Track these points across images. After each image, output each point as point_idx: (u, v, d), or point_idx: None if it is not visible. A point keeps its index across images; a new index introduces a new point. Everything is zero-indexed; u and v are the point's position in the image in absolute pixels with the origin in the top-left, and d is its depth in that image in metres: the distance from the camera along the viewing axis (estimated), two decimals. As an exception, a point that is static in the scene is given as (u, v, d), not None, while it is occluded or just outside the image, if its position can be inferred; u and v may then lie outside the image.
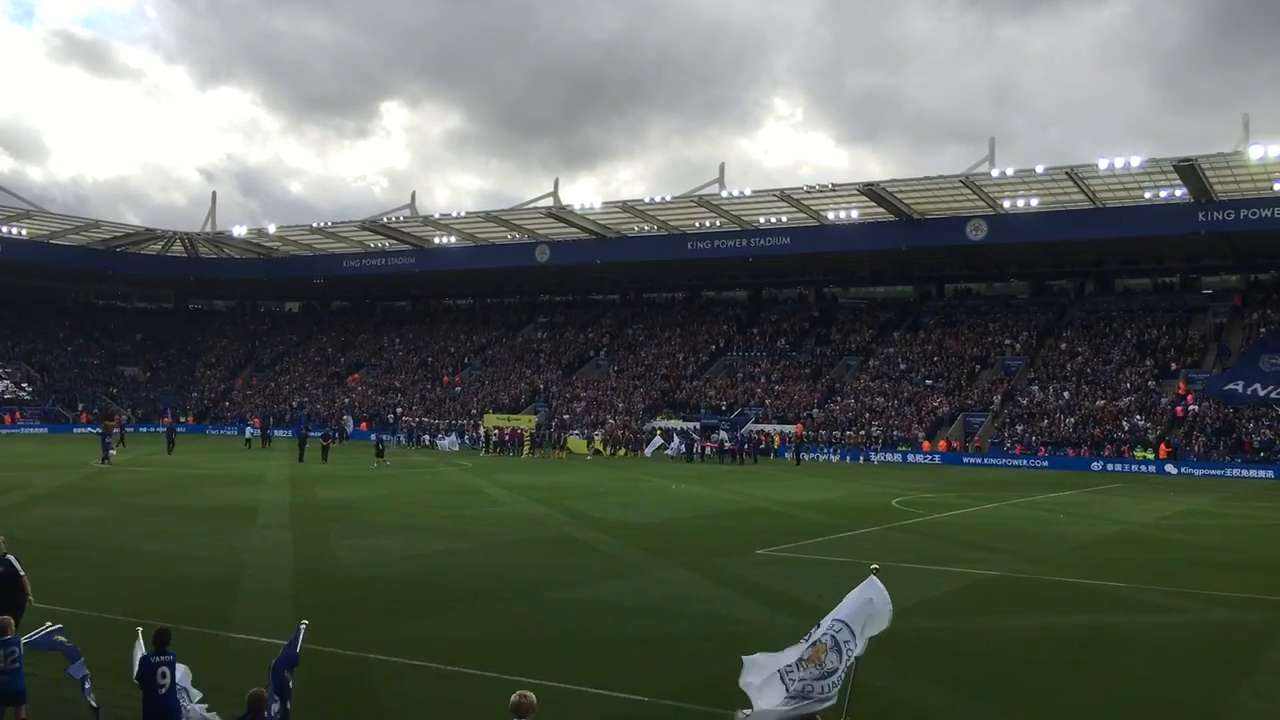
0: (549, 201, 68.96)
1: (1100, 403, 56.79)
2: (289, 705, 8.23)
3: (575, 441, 59.56)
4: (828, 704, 8.93)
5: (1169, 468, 50.85)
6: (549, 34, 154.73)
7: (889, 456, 56.62)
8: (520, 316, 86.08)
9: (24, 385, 77.88)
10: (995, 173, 56.13)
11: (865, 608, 9.11)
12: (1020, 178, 56.24)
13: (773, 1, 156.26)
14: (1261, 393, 53.98)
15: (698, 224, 68.66)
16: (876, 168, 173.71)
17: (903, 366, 65.28)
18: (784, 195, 61.81)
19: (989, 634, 15.01)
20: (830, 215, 63.96)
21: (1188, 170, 51.92)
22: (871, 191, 59.44)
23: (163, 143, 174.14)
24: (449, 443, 62.11)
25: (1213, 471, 49.88)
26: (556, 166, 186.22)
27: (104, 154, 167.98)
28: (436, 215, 74.45)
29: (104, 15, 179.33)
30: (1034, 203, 59.11)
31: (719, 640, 14.11)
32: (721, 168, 63.77)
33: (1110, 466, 51.67)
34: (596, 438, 60.44)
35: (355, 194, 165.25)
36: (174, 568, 19.01)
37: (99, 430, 51.41)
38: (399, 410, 73.25)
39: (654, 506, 31.51)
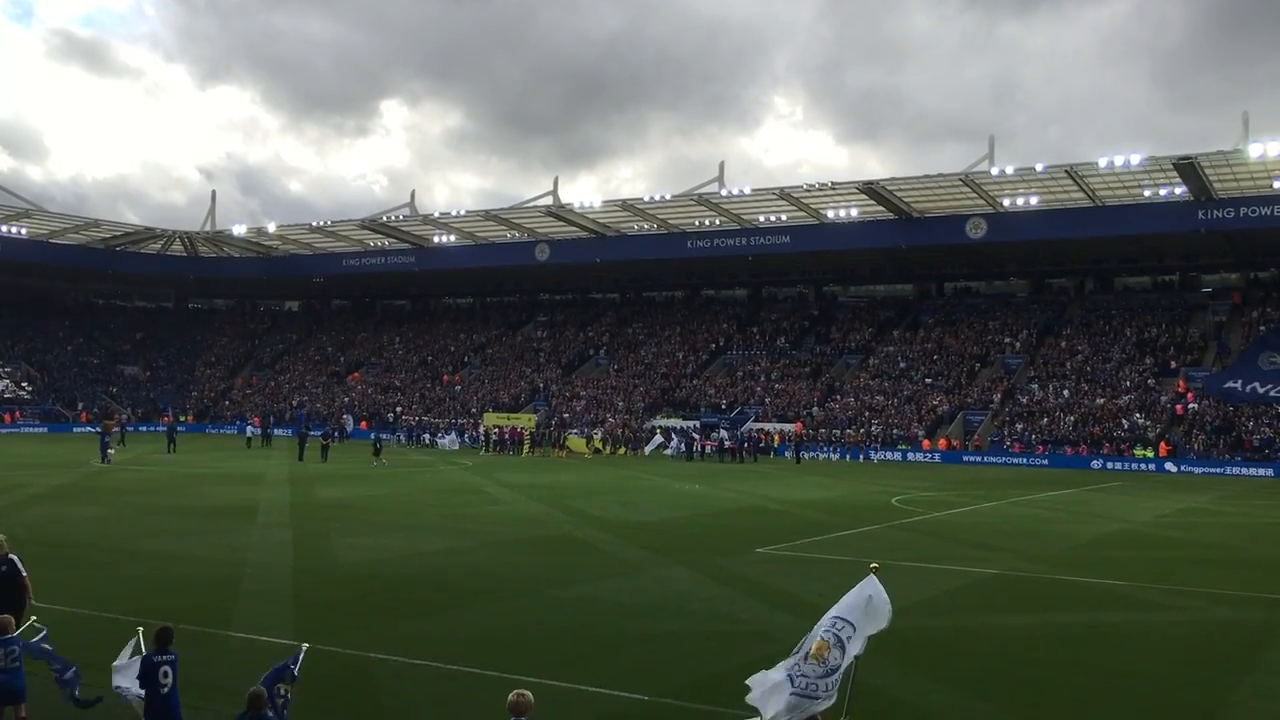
0: (549, 200, 68.97)
1: (1100, 401, 56.81)
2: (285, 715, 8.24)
3: (575, 440, 59.58)
4: (828, 703, 8.93)
5: (1169, 466, 50.87)
6: (549, 32, 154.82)
7: (889, 455, 56.63)
8: (520, 315, 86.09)
9: (24, 384, 77.88)
10: (995, 171, 56.11)
11: (865, 605, 9.11)
12: (1020, 176, 56.23)
13: None
14: (1261, 391, 54.00)
15: (697, 222, 68.66)
16: (876, 166, 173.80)
17: (902, 365, 65.29)
18: (784, 194, 61.81)
19: (989, 632, 15.01)
20: (830, 214, 63.96)
21: (1187, 168, 51.92)
22: (871, 190, 59.45)
23: (162, 142, 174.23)
24: (449, 441, 62.16)
25: (1212, 469, 49.91)
26: (556, 165, 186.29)
27: (103, 153, 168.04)
28: (436, 214, 74.43)
29: (103, 14, 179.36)
30: (1034, 201, 59.11)
31: (719, 639, 14.12)
32: (721, 166, 63.87)
33: (1110, 465, 51.70)
34: (596, 436, 60.46)
35: (355, 193, 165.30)
36: (174, 567, 19.01)
37: (98, 430, 51.35)
38: (399, 409, 73.27)
39: (654, 505, 31.52)
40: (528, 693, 7.43)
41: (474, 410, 69.68)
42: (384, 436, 55.67)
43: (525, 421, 62.11)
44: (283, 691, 8.24)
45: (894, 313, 72.13)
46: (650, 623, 15.11)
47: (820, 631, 9.07)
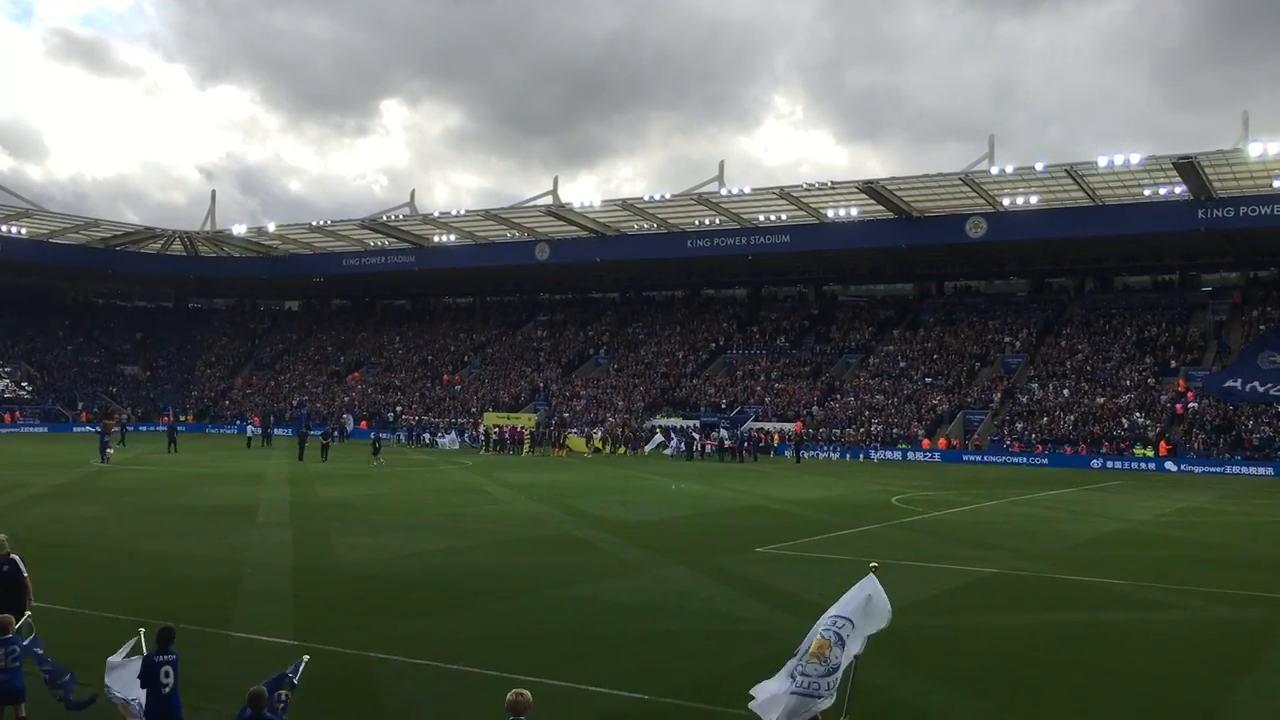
0: (548, 200, 68.96)
1: (1100, 400, 56.82)
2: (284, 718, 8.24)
3: (575, 440, 59.59)
4: (829, 703, 8.93)
5: (1169, 465, 50.86)
6: (549, 32, 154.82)
7: (889, 454, 56.64)
8: (520, 315, 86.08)
9: (24, 384, 77.89)
10: (995, 170, 56.09)
11: (864, 604, 9.11)
12: (1020, 175, 56.21)
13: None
14: (1260, 390, 54.01)
15: (697, 222, 68.65)
16: (876, 165, 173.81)
17: (902, 364, 65.28)
18: (784, 193, 61.80)
19: (989, 631, 15.02)
20: (830, 213, 63.94)
21: (1187, 168, 51.92)
22: (871, 189, 59.45)
23: (162, 141, 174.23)
24: (449, 441, 62.18)
25: (1212, 469, 49.91)
26: (556, 164, 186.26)
27: (103, 152, 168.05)
28: (436, 214, 74.41)
29: (103, 13, 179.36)
30: (1034, 200, 59.10)
31: (719, 638, 14.12)
32: (721, 165, 63.84)
33: (1110, 464, 51.69)
34: (596, 436, 60.46)
35: (355, 192, 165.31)
36: (174, 566, 19.01)
37: (98, 429, 51.38)
38: (399, 409, 73.28)
39: (654, 504, 31.52)
40: (526, 692, 7.43)
41: (474, 410, 69.68)
42: (384, 436, 55.72)
43: (525, 421, 62.11)
44: (282, 697, 8.25)
45: (894, 312, 72.13)
46: (650, 622, 15.11)
47: (820, 629, 9.07)
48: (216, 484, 35.39)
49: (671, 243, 70.57)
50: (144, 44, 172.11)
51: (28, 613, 10.47)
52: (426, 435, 65.13)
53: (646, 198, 66.05)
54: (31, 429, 71.24)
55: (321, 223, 78.18)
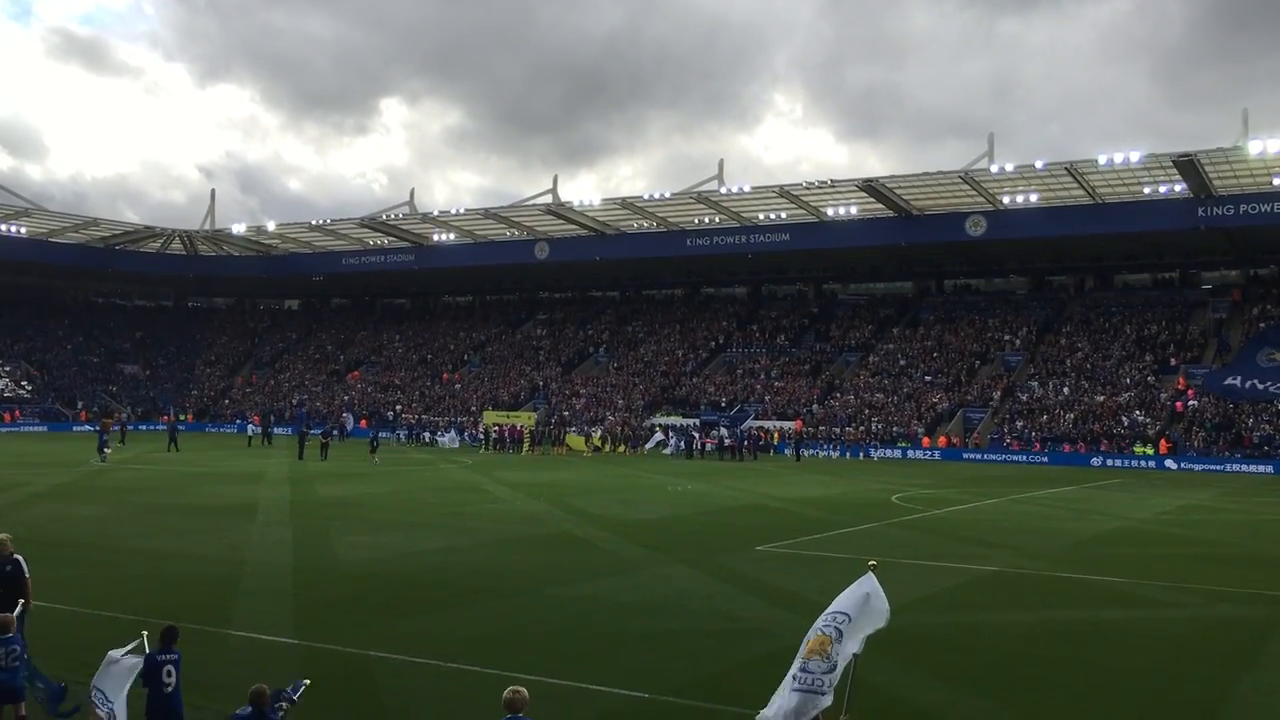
0: (548, 198, 68.94)
1: (1100, 398, 56.82)
2: None
3: (574, 438, 59.59)
4: (828, 702, 8.91)
5: (1169, 463, 50.84)
6: (549, 30, 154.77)
7: (889, 453, 56.65)
8: (520, 313, 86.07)
9: (23, 383, 77.89)
10: (995, 168, 56.06)
11: (862, 601, 9.09)
12: (1020, 173, 56.18)
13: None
14: (1260, 387, 54.00)
15: (697, 220, 68.63)
16: (876, 164, 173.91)
17: (902, 362, 65.28)
18: (783, 191, 61.77)
19: (989, 629, 15.01)
20: (829, 211, 63.90)
21: (1187, 165, 51.90)
22: (871, 188, 59.44)
23: (162, 140, 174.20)
24: (449, 440, 62.18)
25: (1212, 466, 49.90)
26: (556, 163, 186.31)
27: (103, 152, 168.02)
28: (436, 212, 74.40)
29: (102, 12, 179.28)
30: (1033, 198, 59.08)
31: (719, 637, 14.11)
32: (721, 164, 63.77)
33: (1110, 462, 51.69)
34: (596, 434, 60.46)
35: (354, 191, 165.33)
36: (174, 565, 19.00)
37: (97, 428, 51.41)
38: (399, 407, 73.27)
39: (654, 503, 31.52)
40: (523, 690, 7.45)
41: (474, 408, 69.66)
42: (384, 435, 55.70)
43: (525, 419, 62.10)
44: (282, 707, 8.24)
45: (894, 310, 72.12)
46: (650, 620, 15.11)
47: (819, 626, 9.05)
48: (216, 483, 35.39)
49: (671, 241, 70.55)
50: (143, 43, 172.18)
51: (20, 603, 10.46)
52: (426, 434, 65.13)
53: (646, 196, 66.03)
54: (31, 428, 71.22)
55: (321, 222, 78.16)
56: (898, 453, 56.56)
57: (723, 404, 65.02)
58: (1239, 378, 55.11)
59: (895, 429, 58.81)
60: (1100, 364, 59.96)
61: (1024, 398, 58.98)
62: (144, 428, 71.94)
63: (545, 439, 60.03)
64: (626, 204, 66.80)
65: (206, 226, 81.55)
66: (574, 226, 71.49)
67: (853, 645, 8.94)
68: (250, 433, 61.80)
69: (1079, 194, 57.92)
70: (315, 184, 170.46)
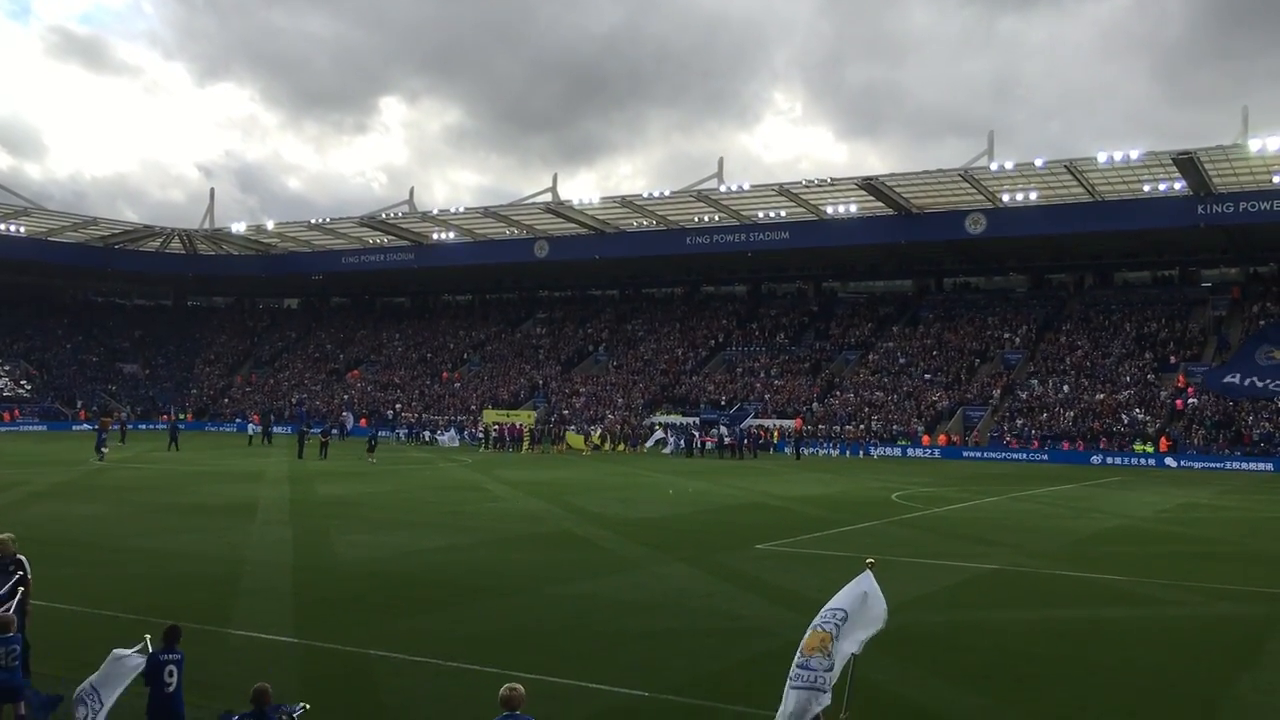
0: (548, 197, 68.91)
1: (1100, 396, 56.82)
2: None
3: (574, 437, 59.58)
4: (828, 700, 8.90)
5: (1168, 461, 50.85)
6: (548, 28, 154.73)
7: (888, 451, 56.66)
8: (519, 312, 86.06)
9: (23, 383, 77.87)
10: (994, 166, 56.05)
11: (860, 599, 9.08)
12: (1019, 171, 56.17)
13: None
14: (1260, 385, 53.99)
15: (697, 219, 68.61)
16: (876, 162, 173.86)
17: (902, 361, 65.28)
18: (783, 190, 61.74)
19: (989, 628, 15.01)
20: (829, 210, 63.88)
21: (1187, 163, 51.88)
22: (870, 186, 59.42)
23: (161, 139, 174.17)
24: (448, 439, 62.18)
25: (1212, 464, 49.90)
26: (556, 162, 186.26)
27: (102, 151, 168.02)
28: (435, 211, 74.37)
29: (101, 11, 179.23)
30: (1033, 196, 59.08)
31: (719, 635, 14.11)
32: (720, 162, 63.69)
33: (1110, 460, 51.69)
34: (595, 433, 60.46)
35: (354, 190, 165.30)
36: (173, 565, 18.99)
37: (95, 427, 51.42)
38: (398, 406, 73.26)
39: (653, 501, 31.52)
40: (519, 687, 7.47)
41: (473, 407, 69.66)
42: (384, 434, 55.68)
43: (525, 418, 62.09)
44: (281, 716, 8.28)
45: (893, 308, 72.12)
46: (650, 619, 15.10)
47: (818, 623, 9.04)
48: (216, 482, 35.37)
49: (671, 240, 70.53)
50: (143, 42, 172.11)
51: (14, 599, 10.46)
52: (426, 433, 65.13)
53: (646, 195, 66.01)
54: (31, 427, 71.21)
55: (320, 220, 78.14)
56: (897, 451, 56.57)
57: (722, 402, 65.02)
58: (1238, 375, 55.11)
59: (895, 427, 58.80)
60: (1100, 362, 59.96)
61: (1024, 396, 58.98)
62: (144, 427, 71.94)
63: (545, 438, 60.04)
64: (626, 202, 66.78)
65: (206, 225, 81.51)
66: (573, 225, 71.47)
67: (849, 646, 8.93)
68: (250, 432, 61.81)
69: (1079, 192, 57.91)
70: (315, 183, 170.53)
